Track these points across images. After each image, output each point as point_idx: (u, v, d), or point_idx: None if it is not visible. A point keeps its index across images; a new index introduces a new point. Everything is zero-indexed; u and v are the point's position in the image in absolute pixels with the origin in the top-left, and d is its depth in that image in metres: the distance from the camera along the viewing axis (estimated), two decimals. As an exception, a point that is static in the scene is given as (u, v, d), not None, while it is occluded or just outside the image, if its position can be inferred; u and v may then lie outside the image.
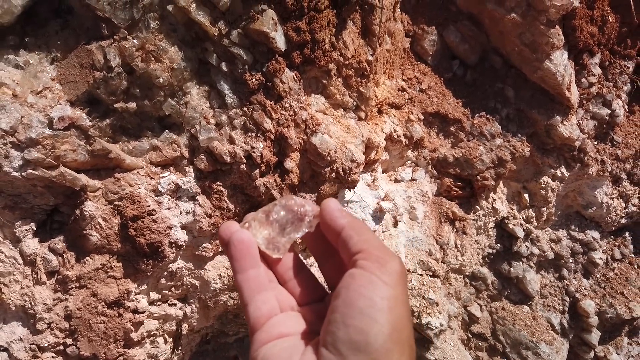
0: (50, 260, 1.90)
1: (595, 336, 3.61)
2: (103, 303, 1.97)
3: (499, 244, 3.48)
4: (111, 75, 1.80)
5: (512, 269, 3.48)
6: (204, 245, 2.15)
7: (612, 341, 3.76)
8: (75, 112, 1.80)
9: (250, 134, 2.04)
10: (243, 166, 2.04)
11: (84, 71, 1.82)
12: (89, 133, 1.83)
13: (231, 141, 2.02)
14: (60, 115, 1.76)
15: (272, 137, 2.08)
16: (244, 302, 0.67)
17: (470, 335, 3.41)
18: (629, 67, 3.37)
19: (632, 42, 3.33)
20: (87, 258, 1.94)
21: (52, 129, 1.75)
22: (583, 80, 3.17)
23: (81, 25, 1.83)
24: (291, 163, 2.14)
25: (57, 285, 1.94)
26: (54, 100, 1.78)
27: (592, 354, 3.64)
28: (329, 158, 2.18)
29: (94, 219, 1.89)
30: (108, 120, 1.88)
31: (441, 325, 2.72)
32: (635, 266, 3.95)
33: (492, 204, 3.21)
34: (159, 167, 2.03)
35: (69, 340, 1.96)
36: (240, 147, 2.02)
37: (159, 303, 2.19)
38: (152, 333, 2.18)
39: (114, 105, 1.85)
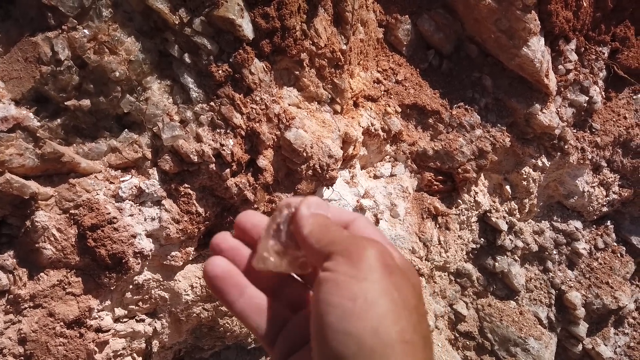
0: (-1, 279, 1.71)
1: (582, 328, 3.55)
2: (62, 323, 1.78)
3: (482, 239, 3.39)
4: (60, 70, 1.63)
5: (497, 263, 3.39)
6: (173, 253, 1.98)
7: (599, 332, 3.72)
8: (21, 112, 1.62)
9: (218, 131, 1.89)
10: (212, 166, 1.88)
11: (29, 66, 1.64)
12: (38, 135, 1.65)
13: (198, 139, 1.86)
14: (3, 115, 1.58)
15: (242, 133, 1.92)
16: (252, 330, 0.62)
17: (457, 335, 3.31)
18: (604, 53, 3.34)
19: (606, 28, 3.29)
20: (42, 274, 1.75)
21: (-6, 131, 1.56)
22: (560, 67, 3.12)
23: (24, 15, 1.65)
24: (265, 161, 1.99)
25: (8, 306, 1.74)
26: (-4, 99, 1.59)
27: (580, 347, 3.59)
28: (304, 154, 2.04)
29: (47, 230, 1.70)
30: (59, 120, 1.69)
31: (428, 326, 2.61)
32: (619, 255, 3.93)
33: (474, 197, 3.12)
34: (119, 171, 1.85)
35: (24, 367, 1.76)
36: (209, 145, 1.86)
37: (125, 319, 2.01)
38: (119, 353, 1.99)
39: (65, 103, 1.68)
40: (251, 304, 0.61)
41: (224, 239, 0.65)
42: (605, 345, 3.61)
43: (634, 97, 3.62)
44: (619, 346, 3.73)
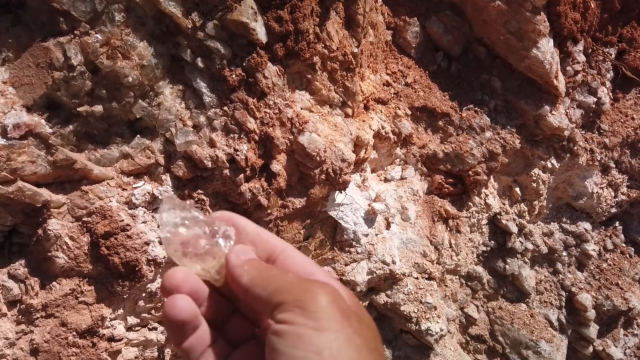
0: (11, 289, 1.68)
1: (593, 330, 3.54)
2: (74, 333, 1.75)
3: (492, 241, 3.37)
4: (73, 75, 1.60)
5: (507, 266, 3.38)
6: (186, 260, 1.95)
7: (609, 334, 3.71)
8: (33, 119, 1.59)
9: (232, 136, 1.86)
10: (226, 171, 1.86)
11: (40, 72, 1.62)
12: (50, 141, 1.62)
13: (211, 144, 1.84)
14: (15, 122, 1.55)
15: (256, 137, 1.90)
16: None
17: (468, 338, 3.29)
18: (611, 54, 3.33)
19: (613, 29, 3.29)
20: (54, 283, 1.72)
21: (7, 138, 1.53)
22: (568, 68, 3.11)
23: (35, 20, 1.62)
24: (278, 165, 1.97)
25: (20, 316, 1.71)
26: (7, 106, 1.57)
27: (590, 349, 3.58)
28: (318, 158, 2.02)
29: (60, 239, 1.67)
30: (71, 127, 1.67)
31: (441, 330, 2.59)
32: (628, 256, 3.92)
33: (485, 199, 3.10)
34: (132, 177, 1.82)
35: (36, 378, 1.72)
36: (222, 150, 1.84)
37: (137, 328, 1.97)
38: (131, 362, 1.96)
39: (77, 109, 1.65)
40: (199, 340, 0.59)
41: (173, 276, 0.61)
42: (616, 347, 3.60)
43: (642, 97, 3.63)
44: (629, 347, 3.72)
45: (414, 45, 2.84)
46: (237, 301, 0.65)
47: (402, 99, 2.67)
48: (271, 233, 0.66)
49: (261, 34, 1.80)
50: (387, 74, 2.70)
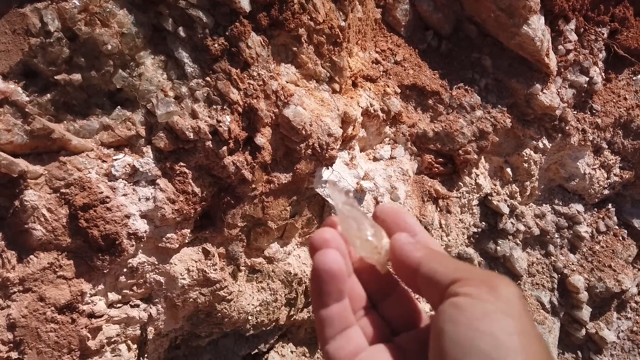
0: (-13, 262, 1.63)
1: (586, 312, 3.52)
2: (53, 308, 1.71)
3: (483, 222, 3.34)
4: (50, 42, 1.56)
5: (498, 247, 3.34)
6: (168, 235, 1.91)
7: (602, 317, 3.69)
8: (9, 86, 1.55)
9: (215, 107, 1.82)
10: (209, 143, 1.82)
11: (17, 38, 1.58)
12: (27, 110, 1.58)
13: (194, 115, 1.80)
14: (-11, 89, 1.51)
15: (239, 109, 1.86)
16: (324, 340, 0.56)
17: (459, 321, 3.25)
18: (603, 33, 3.30)
19: (605, 8, 3.26)
20: (31, 257, 1.68)
21: (-20, 105, 1.49)
22: (560, 47, 3.07)
23: (10, -14, 1.58)
24: (262, 139, 1.93)
25: (-4, 291, 1.66)
26: (-19, 73, 1.53)
27: (583, 331, 3.56)
28: (303, 132, 1.98)
29: (37, 210, 1.63)
30: (49, 95, 1.63)
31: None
32: (621, 238, 3.90)
33: (475, 179, 3.07)
34: (112, 149, 1.78)
35: (13, 354, 1.69)
36: (205, 121, 1.80)
37: (119, 305, 1.94)
38: (112, 340, 1.92)
39: (55, 77, 1.61)
40: (340, 314, 0.56)
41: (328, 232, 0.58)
42: (609, 330, 3.59)
43: (634, 78, 3.59)
44: (622, 330, 3.71)
45: (403, 24, 2.80)
46: (377, 298, 0.62)
47: (391, 77, 2.63)
48: (437, 243, 0.63)
49: (244, 3, 1.76)
50: (376, 52, 2.67)
